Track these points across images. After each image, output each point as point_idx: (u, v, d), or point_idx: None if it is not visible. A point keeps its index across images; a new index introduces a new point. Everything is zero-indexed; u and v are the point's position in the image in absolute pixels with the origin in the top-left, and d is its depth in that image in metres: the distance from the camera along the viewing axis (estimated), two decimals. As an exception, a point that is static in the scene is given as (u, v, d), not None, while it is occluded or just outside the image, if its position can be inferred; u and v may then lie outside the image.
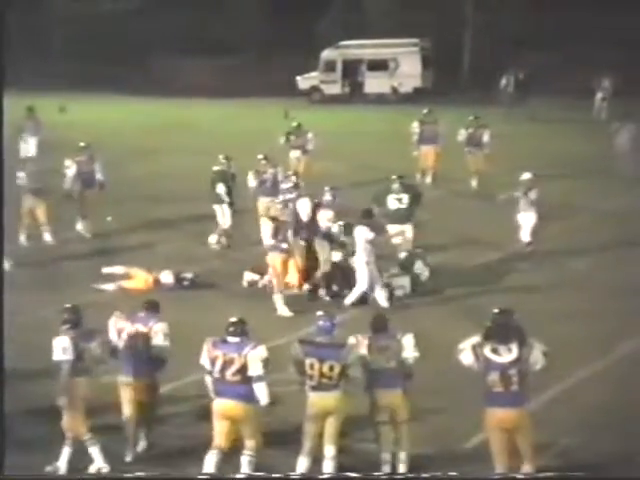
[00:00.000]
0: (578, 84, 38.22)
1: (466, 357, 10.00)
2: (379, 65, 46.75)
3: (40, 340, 11.68)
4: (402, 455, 10.70)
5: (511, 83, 39.50)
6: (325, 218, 17.40)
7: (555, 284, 17.03)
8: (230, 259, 18.89)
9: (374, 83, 46.74)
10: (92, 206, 20.78)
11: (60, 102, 38.44)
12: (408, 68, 46.10)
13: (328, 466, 10.38)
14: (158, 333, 11.14)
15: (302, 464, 10.48)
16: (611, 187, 24.15)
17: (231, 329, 10.40)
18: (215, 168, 20.41)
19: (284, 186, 19.07)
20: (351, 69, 47.30)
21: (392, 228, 17.69)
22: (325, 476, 10.40)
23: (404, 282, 16.88)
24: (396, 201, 17.93)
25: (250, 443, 10.46)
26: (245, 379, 10.22)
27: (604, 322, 14.96)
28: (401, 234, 17.74)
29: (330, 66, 47.37)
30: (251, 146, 24.17)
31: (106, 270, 17.62)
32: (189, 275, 17.49)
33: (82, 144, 21.35)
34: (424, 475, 10.42)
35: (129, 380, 11.19)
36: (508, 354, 9.83)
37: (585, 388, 12.85)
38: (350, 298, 16.35)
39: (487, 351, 9.89)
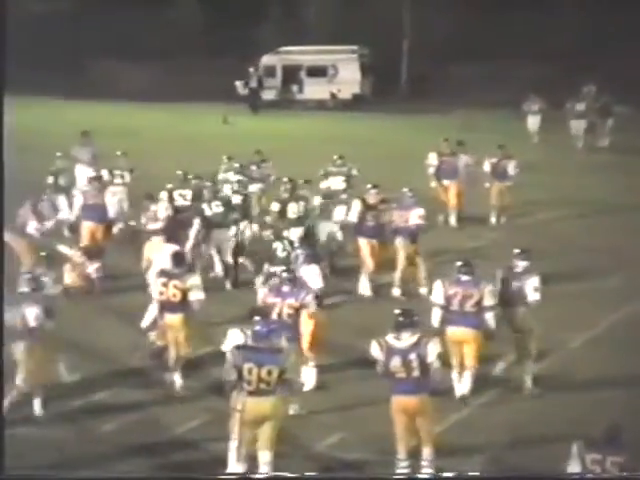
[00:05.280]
0: (510, 96, 38.31)
1: (374, 349, 10.72)
2: (318, 71, 46.97)
3: None
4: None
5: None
6: (416, 216, 17.36)
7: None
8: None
9: (313, 89, 46.94)
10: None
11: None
12: (347, 75, 46.37)
13: (264, 471, 10.40)
14: (310, 304, 12.55)
15: (237, 470, 10.54)
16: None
17: (463, 269, 12.79)
18: None
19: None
20: (291, 75, 47.43)
21: None
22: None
23: None
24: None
25: (471, 362, 12.67)
26: (479, 310, 12.61)
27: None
28: None
29: (270, 71, 47.47)
30: (190, 152, 24.08)
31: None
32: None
33: (93, 173, 19.76)
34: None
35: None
36: (408, 339, 10.56)
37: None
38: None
39: (389, 338, 10.65)
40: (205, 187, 18.94)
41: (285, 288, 12.67)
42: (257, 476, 10.53)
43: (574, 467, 9.15)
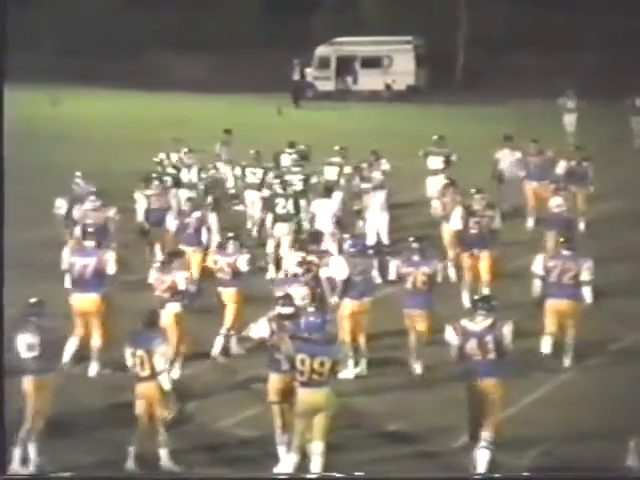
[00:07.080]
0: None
1: (448, 334, 10.75)
2: (373, 62, 46.80)
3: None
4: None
5: None
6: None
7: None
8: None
9: (367, 80, 46.78)
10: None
11: (52, 95, 38.32)
12: (402, 66, 46.17)
13: (316, 462, 10.41)
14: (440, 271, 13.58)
15: (291, 460, 10.54)
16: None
17: (565, 245, 13.54)
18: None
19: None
20: (345, 66, 47.33)
21: None
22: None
23: None
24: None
25: (572, 332, 13.43)
26: (577, 283, 13.25)
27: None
28: None
29: (324, 62, 47.41)
30: (245, 143, 23.94)
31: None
32: None
33: (154, 174, 18.82)
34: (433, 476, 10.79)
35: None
36: (483, 322, 10.58)
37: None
38: None
39: (464, 322, 10.68)
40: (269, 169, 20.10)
41: (416, 257, 13.42)
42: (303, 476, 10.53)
43: (632, 462, 9.05)
